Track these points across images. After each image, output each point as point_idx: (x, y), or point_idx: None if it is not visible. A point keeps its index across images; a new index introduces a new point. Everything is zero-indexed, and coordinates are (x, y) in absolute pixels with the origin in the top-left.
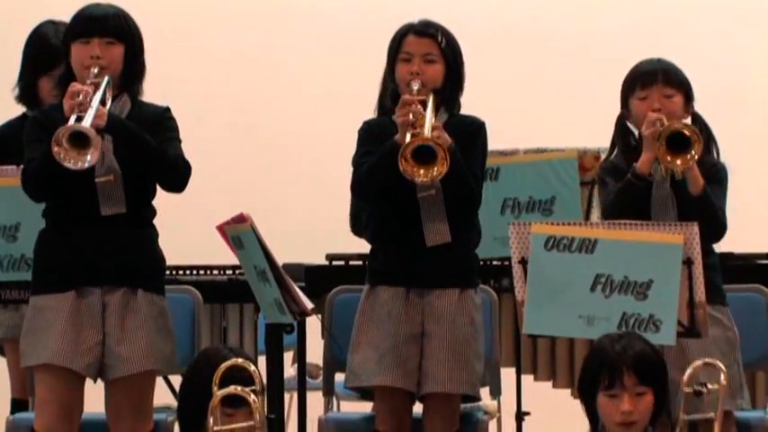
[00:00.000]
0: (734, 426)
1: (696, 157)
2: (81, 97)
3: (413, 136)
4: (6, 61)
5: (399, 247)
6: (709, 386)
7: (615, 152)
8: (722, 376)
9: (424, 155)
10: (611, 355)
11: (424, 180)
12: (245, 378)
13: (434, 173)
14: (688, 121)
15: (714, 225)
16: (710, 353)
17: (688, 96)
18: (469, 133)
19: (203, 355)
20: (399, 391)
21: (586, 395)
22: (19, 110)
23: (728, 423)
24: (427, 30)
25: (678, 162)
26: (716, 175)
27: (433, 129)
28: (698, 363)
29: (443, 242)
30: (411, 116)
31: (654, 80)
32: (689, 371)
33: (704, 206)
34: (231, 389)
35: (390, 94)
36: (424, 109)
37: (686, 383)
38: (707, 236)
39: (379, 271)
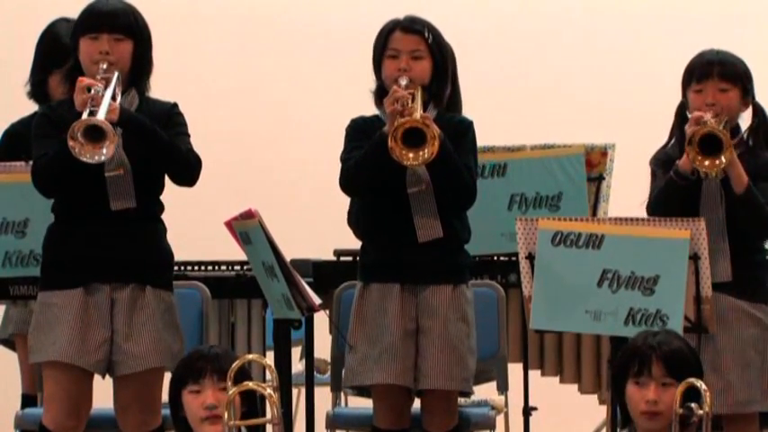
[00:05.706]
0: (755, 425)
1: (724, 162)
2: (93, 92)
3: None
4: (17, 58)
5: (391, 243)
6: (695, 409)
7: (672, 142)
8: (707, 400)
9: (414, 139)
10: (644, 345)
11: (413, 163)
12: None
13: (425, 155)
14: (747, 113)
15: (761, 223)
16: (745, 352)
17: (746, 89)
18: (458, 132)
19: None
20: (398, 388)
21: (617, 385)
22: (28, 107)
23: (752, 422)
24: (414, 26)
25: (707, 164)
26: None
27: (423, 118)
28: (683, 384)
29: (435, 238)
30: (400, 106)
31: (709, 74)
32: (678, 395)
33: (749, 204)
34: (246, 384)
35: (377, 90)
36: (413, 101)
37: (678, 405)
38: (754, 234)
39: (371, 268)
